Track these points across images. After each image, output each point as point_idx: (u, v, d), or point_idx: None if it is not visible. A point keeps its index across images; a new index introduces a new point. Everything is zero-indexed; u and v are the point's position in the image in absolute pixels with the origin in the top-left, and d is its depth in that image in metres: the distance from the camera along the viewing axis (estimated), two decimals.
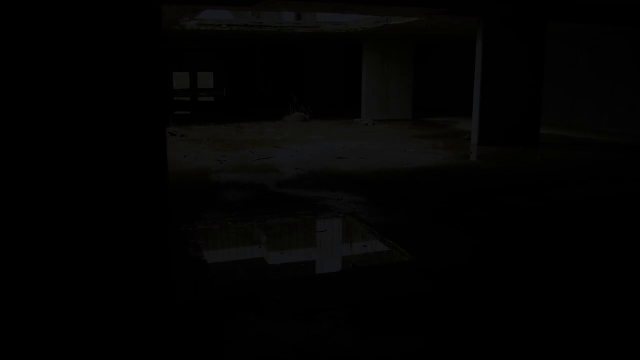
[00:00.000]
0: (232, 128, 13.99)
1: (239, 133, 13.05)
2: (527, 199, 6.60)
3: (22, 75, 2.06)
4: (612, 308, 3.57)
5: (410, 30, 14.13)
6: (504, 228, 5.43)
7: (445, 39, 17.57)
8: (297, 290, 3.85)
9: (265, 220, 5.64)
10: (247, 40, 19.09)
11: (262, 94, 21.99)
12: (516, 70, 11.11)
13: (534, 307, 3.55)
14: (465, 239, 5.05)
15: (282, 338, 3.06)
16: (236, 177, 7.66)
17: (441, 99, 20.24)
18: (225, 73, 25.27)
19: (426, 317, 3.40)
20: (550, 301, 3.66)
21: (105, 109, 2.21)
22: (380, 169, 8.44)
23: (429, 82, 20.42)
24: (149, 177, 2.36)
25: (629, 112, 13.33)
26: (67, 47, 2.11)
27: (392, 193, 6.86)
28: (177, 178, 7.49)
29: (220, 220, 5.55)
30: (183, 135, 12.26)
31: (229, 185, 7.18)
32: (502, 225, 5.53)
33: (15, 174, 2.08)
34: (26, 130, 2.09)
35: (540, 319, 3.38)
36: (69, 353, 2.16)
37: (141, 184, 2.33)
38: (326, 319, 3.28)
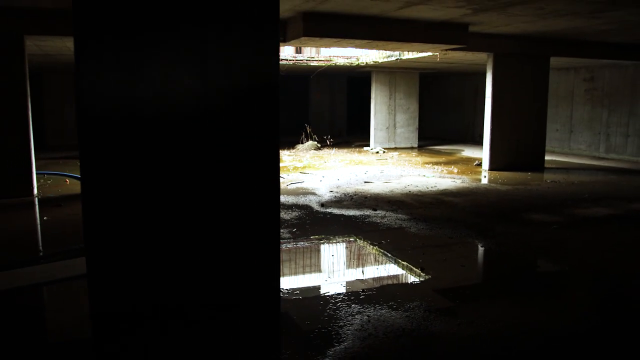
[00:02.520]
0: None
1: None
2: (547, 215, 7.37)
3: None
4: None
5: (421, 64, 15.09)
6: (543, 237, 6.16)
7: (449, 71, 18.57)
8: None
9: (336, 236, 6.33)
10: None
11: None
12: (523, 99, 12.04)
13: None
14: (517, 244, 5.78)
15: None
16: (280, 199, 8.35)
17: (441, 128, 21.18)
18: None
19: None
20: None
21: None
22: (408, 191, 9.18)
23: (429, 111, 21.39)
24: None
25: (624, 140, 14.32)
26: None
27: (428, 211, 7.58)
28: None
29: (287, 235, 6.22)
30: None
31: None
32: (540, 234, 6.26)
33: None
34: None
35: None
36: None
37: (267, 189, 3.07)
38: None
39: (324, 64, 15.96)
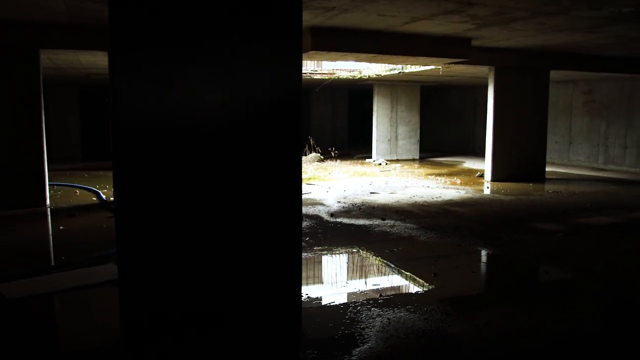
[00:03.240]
0: None
1: None
2: (552, 224, 7.56)
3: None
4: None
5: (423, 77, 15.36)
6: (549, 245, 6.35)
7: (449, 83, 18.84)
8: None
9: (349, 245, 6.50)
10: None
11: None
12: (524, 112, 12.29)
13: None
14: (524, 252, 5.96)
15: None
16: None
17: (441, 140, 21.43)
18: None
19: None
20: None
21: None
22: (415, 202, 9.37)
23: (429, 124, 21.64)
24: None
25: (622, 151, 14.57)
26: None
27: (436, 221, 7.76)
28: None
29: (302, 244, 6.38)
30: None
31: None
32: (546, 242, 6.45)
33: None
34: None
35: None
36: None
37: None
38: None
39: (327, 77, 16.21)
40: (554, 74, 13.51)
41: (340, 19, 8.06)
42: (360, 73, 15.91)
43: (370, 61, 10.53)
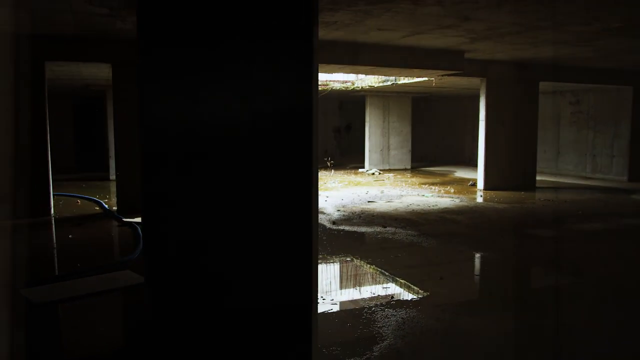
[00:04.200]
0: None
1: None
2: (547, 230, 7.84)
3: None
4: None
5: (415, 88, 15.70)
6: (546, 249, 6.61)
7: (440, 94, 19.22)
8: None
9: (355, 252, 6.71)
10: None
11: None
12: (515, 122, 12.63)
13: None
14: (524, 256, 6.21)
15: None
16: None
17: (432, 150, 21.79)
18: None
19: None
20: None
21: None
22: (412, 210, 9.62)
23: (420, 134, 21.99)
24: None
25: (609, 160, 14.99)
26: None
27: (435, 228, 8.00)
28: None
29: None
30: None
31: None
32: (543, 247, 6.71)
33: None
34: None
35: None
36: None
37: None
38: None
39: (321, 89, 16.48)
40: (542, 86, 13.90)
41: (341, 33, 8.32)
42: (354, 84, 16.21)
43: (367, 73, 10.81)
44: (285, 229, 4.41)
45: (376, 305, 4.56)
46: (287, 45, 4.37)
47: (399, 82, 13.91)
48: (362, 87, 15.84)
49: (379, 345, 3.71)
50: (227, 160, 4.25)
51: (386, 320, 4.19)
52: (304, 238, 4.46)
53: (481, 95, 12.38)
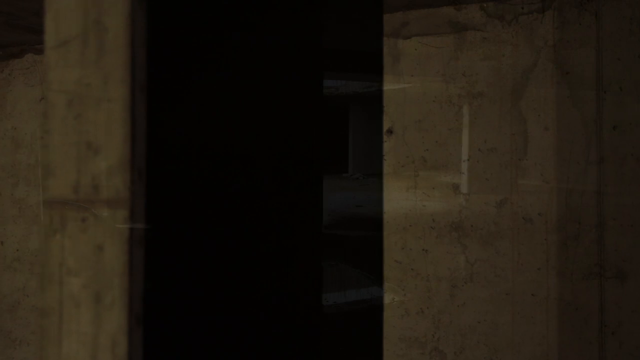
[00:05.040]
0: None
1: None
2: None
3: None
4: None
5: None
6: None
7: None
8: None
9: (355, 254, 6.79)
10: None
11: None
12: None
13: None
14: None
15: None
16: None
17: None
18: None
19: None
20: None
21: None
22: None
23: None
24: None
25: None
26: None
27: None
28: None
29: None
30: None
31: None
32: None
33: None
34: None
35: None
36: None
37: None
38: None
39: None
40: None
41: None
42: (338, 90, 16.31)
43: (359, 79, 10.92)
44: (295, 232, 4.49)
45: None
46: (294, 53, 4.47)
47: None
48: (346, 92, 15.97)
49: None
50: (236, 175, 4.32)
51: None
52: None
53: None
